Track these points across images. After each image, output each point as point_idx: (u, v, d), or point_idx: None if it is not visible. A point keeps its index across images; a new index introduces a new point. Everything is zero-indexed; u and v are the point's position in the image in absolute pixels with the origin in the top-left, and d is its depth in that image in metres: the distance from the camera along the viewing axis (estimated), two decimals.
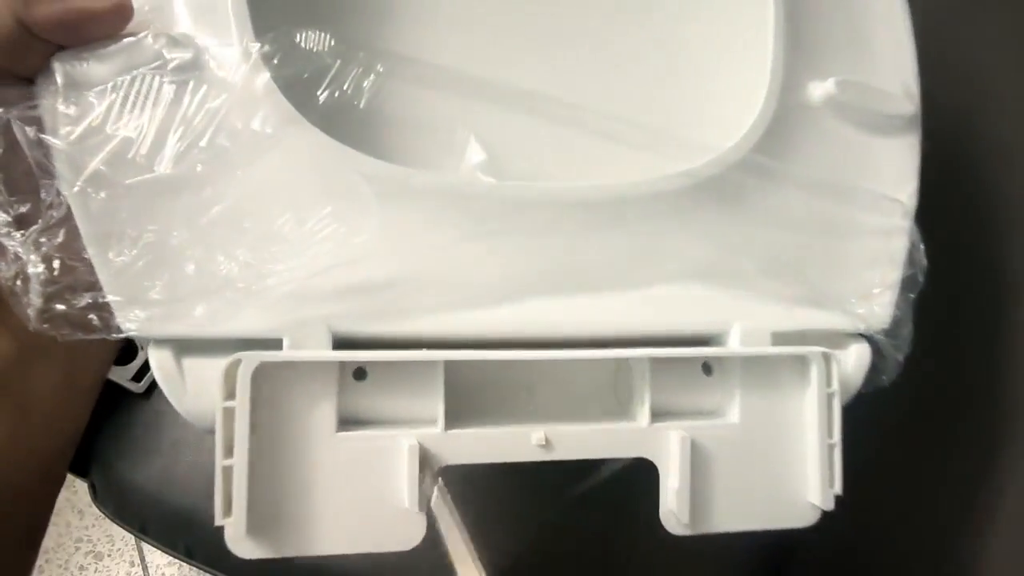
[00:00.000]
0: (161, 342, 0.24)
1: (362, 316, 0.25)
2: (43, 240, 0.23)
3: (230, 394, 0.22)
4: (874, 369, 0.29)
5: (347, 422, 0.25)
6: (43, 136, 0.23)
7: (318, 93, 0.25)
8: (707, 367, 0.28)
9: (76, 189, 0.23)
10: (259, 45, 0.24)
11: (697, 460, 0.26)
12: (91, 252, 0.23)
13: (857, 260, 0.29)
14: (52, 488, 0.28)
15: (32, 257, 0.23)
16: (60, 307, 0.23)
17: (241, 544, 0.23)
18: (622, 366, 0.28)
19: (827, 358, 0.27)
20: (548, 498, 0.41)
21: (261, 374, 0.23)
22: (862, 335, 0.29)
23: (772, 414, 0.27)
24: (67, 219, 0.23)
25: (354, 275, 0.25)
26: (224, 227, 0.24)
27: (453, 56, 0.29)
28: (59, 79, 0.23)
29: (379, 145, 0.26)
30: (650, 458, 0.26)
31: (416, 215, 0.25)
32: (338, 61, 0.25)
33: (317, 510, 0.24)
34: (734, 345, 0.27)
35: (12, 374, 0.24)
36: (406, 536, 0.24)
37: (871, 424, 0.31)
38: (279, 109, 0.24)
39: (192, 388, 0.24)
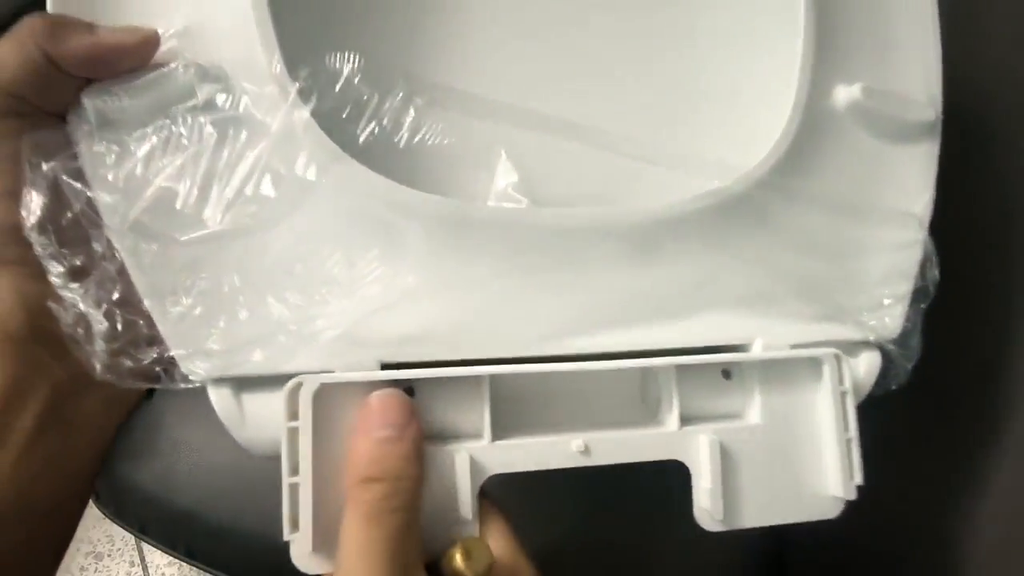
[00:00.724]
0: (220, 381, 0.25)
1: (408, 353, 0.26)
2: (102, 293, 0.24)
3: (293, 415, 0.24)
4: (883, 375, 0.30)
5: None
6: (89, 194, 0.24)
7: (358, 132, 0.27)
8: (726, 372, 0.30)
9: (127, 243, 0.24)
10: (296, 84, 0.25)
11: (725, 460, 0.28)
12: (148, 304, 0.24)
13: (872, 275, 0.31)
14: (81, 505, 0.29)
15: (92, 311, 0.24)
16: (127, 362, 0.24)
17: (306, 560, 0.24)
18: (648, 374, 0.30)
19: (839, 359, 0.29)
20: (557, 501, 0.41)
21: (319, 397, 0.24)
22: (873, 343, 0.31)
23: (791, 414, 0.29)
24: (123, 271, 0.24)
25: (400, 318, 0.26)
26: (275, 272, 0.25)
27: (481, 82, 0.30)
28: (92, 117, 0.24)
29: (414, 174, 0.27)
30: (682, 460, 0.28)
31: (460, 251, 0.27)
32: (375, 95, 0.27)
33: None
34: (754, 352, 0.29)
35: (65, 403, 0.25)
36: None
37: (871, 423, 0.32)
38: (322, 148, 0.25)
39: (251, 420, 0.25)
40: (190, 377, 0.24)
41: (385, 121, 0.27)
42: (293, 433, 0.24)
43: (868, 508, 0.28)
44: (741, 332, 0.29)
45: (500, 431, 0.27)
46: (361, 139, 0.26)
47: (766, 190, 0.29)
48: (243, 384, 0.25)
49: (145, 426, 0.45)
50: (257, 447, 0.25)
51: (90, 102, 0.24)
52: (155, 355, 0.24)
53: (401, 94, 0.27)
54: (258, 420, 0.25)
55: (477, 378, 0.26)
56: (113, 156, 0.25)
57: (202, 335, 0.24)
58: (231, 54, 0.25)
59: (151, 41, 0.25)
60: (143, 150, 0.25)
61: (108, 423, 0.27)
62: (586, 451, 0.27)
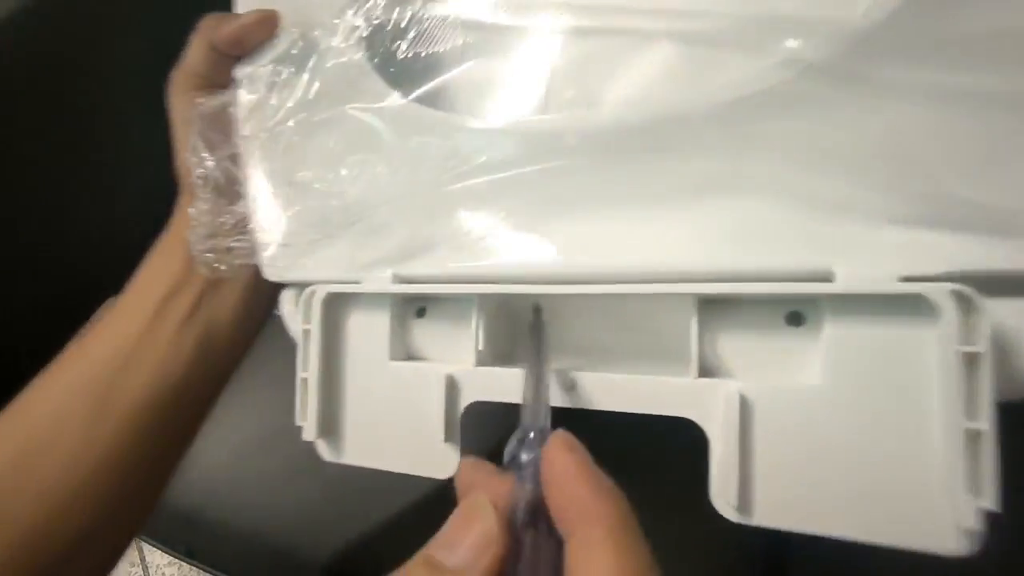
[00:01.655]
0: (289, 287, 0.30)
1: (423, 259, 0.27)
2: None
3: (308, 318, 0.27)
4: None
5: (412, 357, 0.28)
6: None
7: (401, 53, 0.27)
8: (795, 316, 0.22)
9: (253, 151, 0.30)
10: (356, 26, 0.27)
11: (751, 425, 0.21)
12: (253, 202, 0.30)
13: None
14: (209, 409, 0.34)
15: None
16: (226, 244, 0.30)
17: (316, 444, 0.27)
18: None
19: (966, 300, 0.18)
20: None
21: (338, 306, 0.27)
22: None
23: (877, 380, 0.20)
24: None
25: (417, 226, 0.27)
26: (323, 178, 0.29)
27: None
28: (239, 76, 0.31)
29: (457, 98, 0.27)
30: (695, 420, 0.22)
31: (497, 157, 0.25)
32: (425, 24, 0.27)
33: (372, 428, 0.27)
34: (838, 283, 0.21)
35: (206, 298, 0.32)
36: (440, 465, 0.25)
37: None
38: (376, 82, 0.27)
39: (289, 317, 0.30)
40: (264, 273, 0.29)
41: (434, 47, 0.27)
42: (306, 334, 0.27)
43: None
44: (811, 246, 0.21)
45: (500, 361, 0.25)
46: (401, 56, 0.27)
47: (875, 45, 0.20)
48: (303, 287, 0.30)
49: None
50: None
51: (237, 70, 0.32)
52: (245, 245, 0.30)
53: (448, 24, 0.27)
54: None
55: (468, 297, 0.25)
56: (249, 96, 0.31)
57: (279, 230, 0.29)
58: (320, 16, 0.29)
59: (270, 19, 0.31)
60: (259, 92, 0.30)
61: (247, 327, 0.34)
62: (573, 389, 0.23)
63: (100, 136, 0.50)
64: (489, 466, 0.20)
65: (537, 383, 0.22)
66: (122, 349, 0.31)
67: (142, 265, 0.34)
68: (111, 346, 0.31)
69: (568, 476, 0.18)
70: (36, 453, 0.28)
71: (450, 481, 0.21)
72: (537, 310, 0.25)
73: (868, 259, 0.20)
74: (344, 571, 0.39)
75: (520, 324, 0.26)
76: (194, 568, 0.41)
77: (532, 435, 0.20)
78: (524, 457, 0.19)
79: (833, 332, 0.20)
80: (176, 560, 0.47)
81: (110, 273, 0.51)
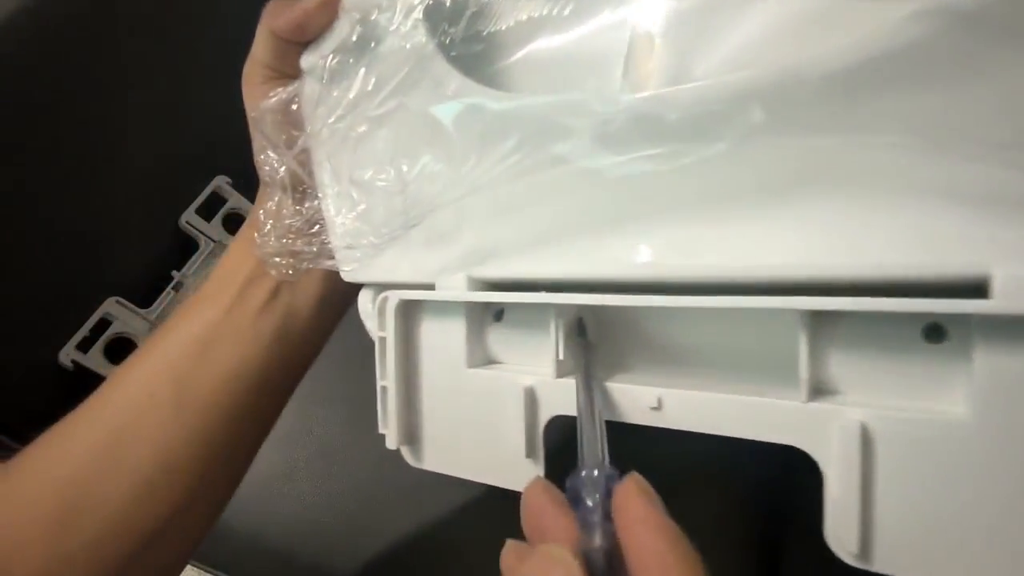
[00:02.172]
0: (367, 286, 0.29)
1: (493, 260, 0.25)
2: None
3: (383, 325, 0.26)
4: None
5: (490, 362, 0.26)
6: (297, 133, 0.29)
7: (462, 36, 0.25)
8: (935, 330, 0.18)
9: (322, 148, 0.28)
10: (418, 12, 0.25)
11: (877, 463, 0.18)
12: (324, 200, 0.29)
13: None
14: (285, 399, 0.34)
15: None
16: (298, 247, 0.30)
17: (400, 451, 0.27)
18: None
19: None
20: None
21: (413, 312, 0.26)
22: None
23: None
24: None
25: (500, 229, 0.24)
26: (386, 175, 0.27)
27: None
28: (304, 67, 0.29)
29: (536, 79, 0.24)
30: (805, 449, 0.19)
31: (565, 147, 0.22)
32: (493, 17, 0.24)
33: (452, 437, 0.26)
34: (997, 299, 0.17)
35: (283, 289, 0.32)
36: (525, 477, 0.24)
37: None
38: (439, 65, 0.24)
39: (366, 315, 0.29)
40: (340, 272, 0.29)
41: (498, 27, 0.25)
42: (382, 342, 0.26)
43: None
44: (963, 247, 0.17)
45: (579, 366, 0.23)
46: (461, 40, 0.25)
47: None
48: (379, 290, 0.29)
49: None
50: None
51: (303, 60, 0.31)
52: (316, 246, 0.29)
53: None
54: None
55: (545, 306, 0.23)
56: (314, 89, 0.30)
57: (347, 232, 0.28)
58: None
59: (329, 2, 0.29)
60: (323, 85, 0.29)
61: (324, 318, 0.34)
62: (658, 407, 0.21)
63: (101, 135, 0.49)
64: (558, 494, 0.19)
65: (590, 415, 0.20)
66: (202, 335, 0.31)
67: (223, 256, 0.34)
68: (191, 332, 0.31)
69: (646, 526, 0.16)
70: (124, 436, 0.29)
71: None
72: (581, 328, 0.23)
73: None
74: (344, 571, 0.39)
75: (602, 327, 0.24)
76: (194, 568, 0.41)
77: (596, 473, 0.18)
78: (589, 502, 0.18)
79: (987, 356, 0.16)
80: None
81: (110, 273, 0.51)
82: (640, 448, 0.21)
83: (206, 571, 0.41)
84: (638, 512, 0.17)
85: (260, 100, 0.30)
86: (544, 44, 0.24)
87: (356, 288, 0.31)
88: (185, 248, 0.56)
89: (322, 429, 0.44)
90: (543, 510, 0.19)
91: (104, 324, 0.53)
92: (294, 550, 0.39)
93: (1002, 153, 0.16)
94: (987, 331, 0.17)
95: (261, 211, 0.30)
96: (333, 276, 0.31)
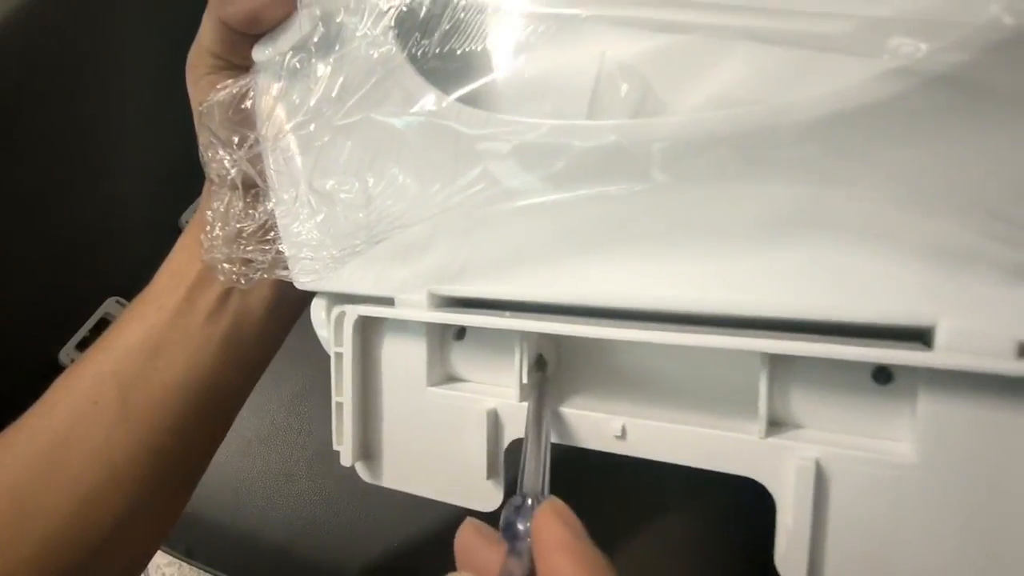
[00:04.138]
0: (320, 294, 0.28)
1: (458, 278, 0.25)
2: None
3: (340, 341, 0.26)
4: None
5: (451, 379, 0.26)
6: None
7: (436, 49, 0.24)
8: (883, 373, 0.19)
9: (274, 151, 0.27)
10: (389, 19, 0.24)
11: (829, 499, 0.19)
12: (276, 205, 0.28)
13: None
14: (236, 409, 0.33)
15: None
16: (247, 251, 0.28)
17: (355, 467, 0.26)
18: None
19: None
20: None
21: (372, 327, 0.26)
22: None
23: (983, 465, 0.17)
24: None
25: (460, 248, 0.24)
26: (350, 187, 0.26)
27: None
28: (256, 58, 0.27)
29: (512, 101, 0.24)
30: (761, 481, 0.20)
31: (537, 177, 0.22)
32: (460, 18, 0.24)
33: (412, 455, 0.26)
34: (938, 352, 0.18)
35: (233, 295, 0.31)
36: (485, 498, 0.24)
37: None
38: (410, 78, 0.24)
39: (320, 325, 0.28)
40: (294, 283, 0.28)
41: (470, 42, 0.24)
42: (338, 357, 0.26)
43: None
44: (911, 296, 0.18)
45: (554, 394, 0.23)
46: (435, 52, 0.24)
47: (1008, 58, 0.16)
48: (336, 299, 0.28)
49: None
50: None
51: (255, 53, 0.29)
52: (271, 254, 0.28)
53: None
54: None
55: (509, 331, 0.23)
56: (270, 88, 0.28)
57: (303, 242, 0.27)
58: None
59: None
60: (279, 84, 0.27)
61: (274, 325, 0.33)
62: (622, 435, 0.22)
63: (101, 135, 0.49)
64: (491, 532, 0.19)
65: (536, 447, 0.20)
66: (148, 341, 0.30)
67: (169, 256, 0.33)
68: (137, 338, 0.30)
69: (561, 551, 0.17)
70: (67, 445, 0.28)
71: None
72: (541, 363, 0.23)
73: (981, 316, 0.17)
74: (344, 571, 0.40)
75: (565, 349, 0.24)
76: (194, 568, 0.41)
77: (530, 502, 0.18)
78: (520, 527, 0.18)
79: (930, 403, 0.18)
80: (176, 560, 0.44)
81: (110, 273, 0.51)
82: (625, 463, 0.22)
83: (206, 571, 0.40)
84: (553, 537, 0.17)
85: (206, 91, 0.29)
86: (519, 69, 0.23)
87: (310, 292, 0.30)
88: None
89: (322, 429, 0.44)
90: (470, 546, 0.19)
91: (104, 324, 0.52)
92: (293, 549, 0.39)
93: (955, 213, 0.17)
94: (930, 378, 0.18)
95: (209, 212, 0.29)
96: (286, 284, 0.30)
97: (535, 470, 0.20)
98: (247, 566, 0.36)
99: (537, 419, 0.22)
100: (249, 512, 0.40)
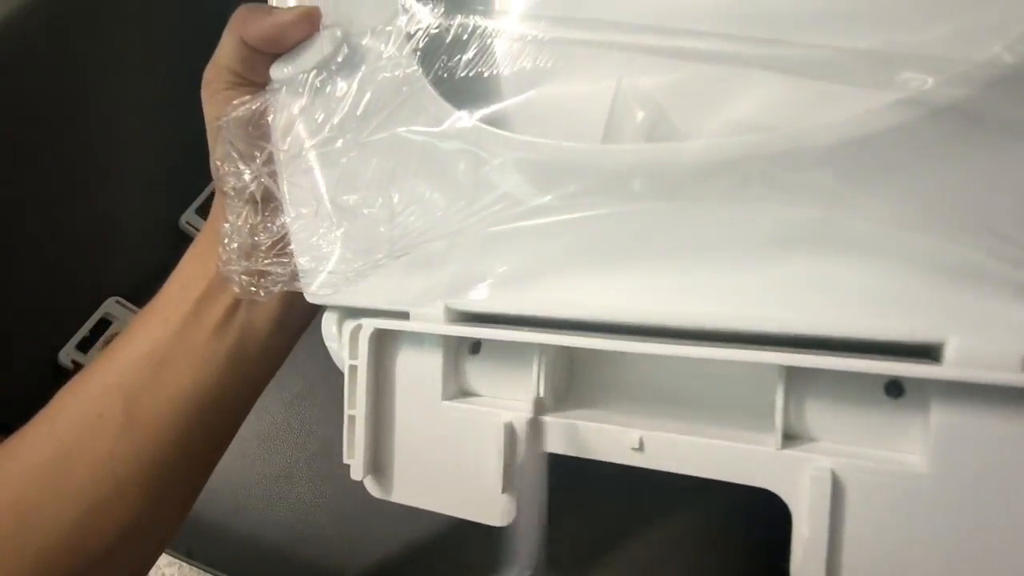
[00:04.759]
0: (331, 308, 0.29)
1: (474, 292, 0.25)
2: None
3: (355, 354, 0.26)
4: None
5: (466, 393, 0.26)
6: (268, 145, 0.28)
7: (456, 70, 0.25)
8: (895, 386, 0.20)
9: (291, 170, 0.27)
10: (410, 34, 0.25)
11: (845, 510, 0.19)
12: (290, 220, 0.28)
13: None
14: (240, 420, 0.33)
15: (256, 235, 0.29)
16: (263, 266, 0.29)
17: (364, 482, 0.26)
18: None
19: None
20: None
21: (387, 340, 0.26)
22: None
23: (993, 475, 0.18)
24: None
25: (479, 263, 0.25)
26: (374, 202, 0.27)
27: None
28: (275, 76, 0.28)
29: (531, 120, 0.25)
30: (777, 492, 0.20)
31: (549, 195, 0.23)
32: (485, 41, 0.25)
33: (425, 469, 0.26)
34: (948, 366, 0.19)
35: (241, 308, 0.31)
36: (500, 513, 0.24)
37: None
38: (435, 100, 0.24)
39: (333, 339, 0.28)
40: (308, 297, 0.28)
41: (492, 65, 0.25)
42: (352, 370, 0.26)
43: None
44: (922, 313, 0.19)
45: (559, 405, 0.24)
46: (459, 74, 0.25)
47: (1008, 92, 0.18)
48: (346, 313, 0.28)
49: None
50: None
51: (274, 71, 0.29)
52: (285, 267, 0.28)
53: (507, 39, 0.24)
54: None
55: (527, 344, 0.24)
56: (291, 105, 0.29)
57: (323, 255, 0.27)
58: (366, 19, 0.27)
59: (310, 17, 0.28)
60: (300, 102, 0.28)
61: (280, 339, 0.33)
62: (640, 448, 0.22)
63: (101, 135, 0.49)
64: None
65: (535, 516, 0.20)
66: (154, 354, 0.30)
67: (177, 268, 0.33)
68: (142, 351, 0.30)
69: None
70: (73, 454, 0.28)
71: None
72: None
73: (987, 332, 0.18)
74: (343, 571, 0.39)
75: (581, 363, 0.25)
76: (194, 568, 0.42)
77: None
78: None
79: (941, 415, 0.18)
80: (176, 560, 0.44)
81: (110, 273, 0.51)
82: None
83: (206, 571, 0.41)
84: None
85: (222, 106, 0.29)
86: (540, 93, 0.24)
87: (316, 305, 0.31)
88: (185, 248, 0.57)
89: (322, 429, 0.44)
90: None
91: (104, 324, 0.52)
92: (294, 550, 0.39)
93: (963, 235, 0.19)
94: (940, 391, 0.19)
95: (226, 225, 0.29)
96: (292, 294, 0.30)
97: (530, 542, 0.20)
98: (247, 566, 0.36)
99: (539, 493, 0.22)
100: (249, 512, 0.41)
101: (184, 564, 0.45)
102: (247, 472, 0.35)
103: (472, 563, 0.36)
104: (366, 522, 0.41)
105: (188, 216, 0.56)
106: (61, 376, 0.51)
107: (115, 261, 0.53)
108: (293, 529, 0.40)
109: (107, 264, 0.52)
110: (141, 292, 0.55)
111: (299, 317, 0.32)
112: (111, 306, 0.53)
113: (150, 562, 0.32)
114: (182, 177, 0.55)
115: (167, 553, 0.41)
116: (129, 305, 0.54)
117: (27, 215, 0.47)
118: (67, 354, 0.51)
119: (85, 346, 0.52)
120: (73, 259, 0.50)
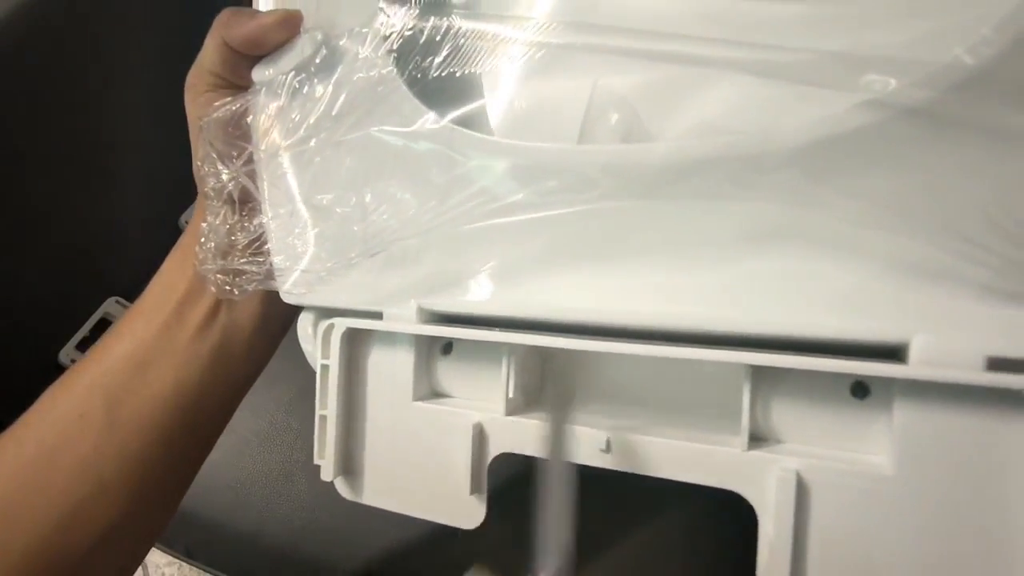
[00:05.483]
0: (307, 309, 0.28)
1: (446, 293, 0.25)
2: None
3: (326, 353, 0.26)
4: None
5: (437, 394, 0.26)
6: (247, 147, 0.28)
7: (432, 72, 0.25)
8: (860, 387, 0.20)
9: (270, 167, 0.27)
10: (386, 36, 0.25)
11: (810, 510, 0.19)
12: (268, 219, 0.28)
13: None
14: (223, 423, 0.33)
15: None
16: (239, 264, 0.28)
17: (335, 483, 0.26)
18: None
19: None
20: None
21: (360, 340, 0.26)
22: None
23: (957, 475, 0.18)
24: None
25: (449, 262, 0.25)
26: (347, 202, 0.26)
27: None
28: (256, 78, 0.28)
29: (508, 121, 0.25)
30: (743, 494, 0.20)
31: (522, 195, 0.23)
32: (458, 41, 0.25)
33: (394, 470, 0.26)
34: (912, 365, 0.19)
35: (222, 309, 0.31)
36: (468, 515, 0.24)
37: None
38: (409, 100, 0.25)
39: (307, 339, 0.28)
40: (283, 296, 0.28)
41: (466, 65, 0.25)
42: (324, 369, 0.26)
43: None
44: (888, 312, 0.19)
45: (531, 406, 0.24)
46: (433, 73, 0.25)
47: (987, 88, 0.18)
48: (322, 314, 0.28)
49: None
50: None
51: (255, 73, 0.30)
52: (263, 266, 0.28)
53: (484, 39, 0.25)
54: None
55: (496, 344, 0.24)
56: (269, 106, 0.29)
57: (298, 255, 0.27)
58: (346, 21, 0.27)
59: (292, 20, 0.28)
60: (279, 103, 0.28)
61: (262, 341, 0.33)
62: (607, 449, 0.22)
63: (102, 136, 0.49)
64: None
65: (562, 502, 0.20)
66: (136, 355, 0.30)
67: (160, 269, 0.33)
68: (125, 352, 0.30)
69: None
70: (56, 454, 0.28)
71: None
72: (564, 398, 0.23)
73: (951, 332, 0.18)
74: (343, 571, 0.39)
75: (552, 364, 0.25)
76: (194, 568, 0.42)
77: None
78: None
79: (905, 415, 0.18)
80: (176, 560, 0.44)
81: (110, 273, 0.52)
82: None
83: (205, 571, 0.40)
84: None
85: (204, 108, 0.29)
86: (515, 94, 0.24)
87: (298, 307, 0.30)
88: None
89: None
90: None
91: (104, 324, 0.52)
92: (293, 549, 0.39)
93: (927, 235, 0.19)
94: (905, 392, 0.19)
95: (204, 224, 0.29)
96: (274, 294, 0.30)
97: (559, 529, 0.20)
98: (246, 566, 0.36)
99: (562, 471, 0.21)
100: (248, 512, 0.40)
101: (184, 564, 0.45)
102: (246, 471, 0.35)
103: (471, 564, 0.36)
104: (365, 521, 0.41)
105: (188, 216, 0.56)
106: None
107: (115, 261, 0.53)
108: (292, 528, 0.40)
109: (107, 264, 0.52)
110: (141, 292, 0.55)
111: (280, 318, 0.32)
112: (111, 306, 0.53)
113: (137, 560, 0.32)
114: (182, 177, 0.55)
115: (167, 552, 0.41)
116: (129, 305, 0.53)
117: (27, 215, 0.47)
118: (67, 354, 0.51)
119: (85, 346, 0.52)
120: (73, 259, 0.50)
